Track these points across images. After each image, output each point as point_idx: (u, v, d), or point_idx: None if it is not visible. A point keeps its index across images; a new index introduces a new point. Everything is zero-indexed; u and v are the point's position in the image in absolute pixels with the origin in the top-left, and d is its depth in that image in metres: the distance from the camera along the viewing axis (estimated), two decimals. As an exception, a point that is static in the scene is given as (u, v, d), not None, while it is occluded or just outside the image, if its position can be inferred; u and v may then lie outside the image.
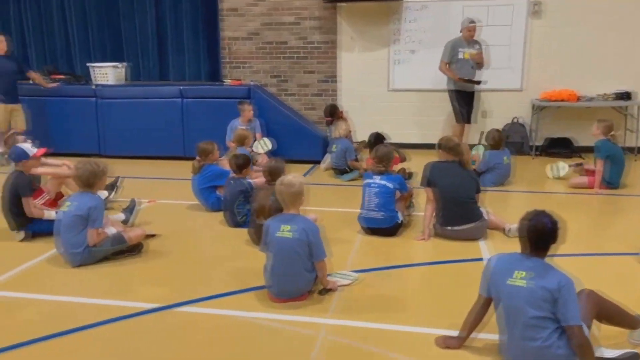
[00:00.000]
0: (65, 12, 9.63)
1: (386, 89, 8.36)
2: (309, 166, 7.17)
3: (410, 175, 5.99)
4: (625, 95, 7.39)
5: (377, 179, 4.41)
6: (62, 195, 5.35)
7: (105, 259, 3.98)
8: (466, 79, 7.11)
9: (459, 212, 4.26)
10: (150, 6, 9.25)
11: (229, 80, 7.84)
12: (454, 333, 2.82)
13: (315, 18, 8.40)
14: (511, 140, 7.84)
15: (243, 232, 4.62)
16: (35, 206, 4.46)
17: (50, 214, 4.47)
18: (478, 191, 4.36)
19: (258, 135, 7.04)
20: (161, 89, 7.79)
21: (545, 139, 7.86)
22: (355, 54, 8.39)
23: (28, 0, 9.64)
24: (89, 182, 3.93)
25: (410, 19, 8.07)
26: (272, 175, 4.29)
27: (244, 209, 4.73)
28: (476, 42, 7.25)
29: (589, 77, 7.68)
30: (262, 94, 7.57)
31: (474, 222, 4.27)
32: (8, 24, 9.69)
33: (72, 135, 7.87)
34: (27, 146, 4.50)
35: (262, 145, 6.50)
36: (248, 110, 7.08)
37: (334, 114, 7.25)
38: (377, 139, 5.87)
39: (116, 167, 5.51)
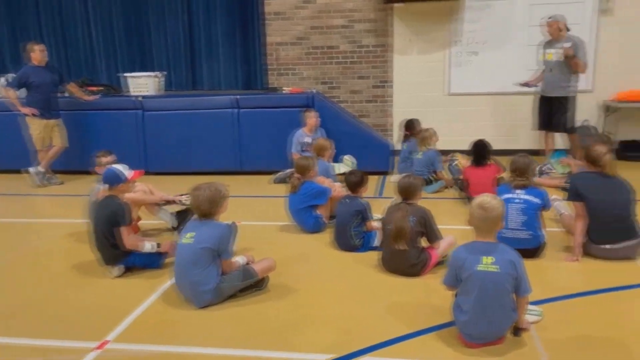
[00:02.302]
0: (90, 21, 9.06)
1: (445, 93, 7.94)
2: (376, 177, 6.69)
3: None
4: None
5: (521, 194, 3.96)
6: (139, 220, 4.83)
7: (230, 296, 3.47)
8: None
9: (616, 228, 3.82)
10: (183, 13, 8.76)
11: (287, 88, 7.33)
12: None
13: (368, 20, 7.95)
14: (582, 144, 7.49)
15: (363, 257, 4.14)
16: (134, 237, 3.92)
17: (147, 245, 3.92)
18: (634, 202, 3.93)
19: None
20: (214, 99, 7.24)
21: (619, 143, 7.52)
22: (411, 57, 7.95)
23: (49, 8, 9.05)
24: (210, 212, 3.41)
25: (473, 19, 7.66)
26: (408, 193, 3.82)
27: (360, 231, 4.25)
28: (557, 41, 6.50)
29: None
30: (325, 101, 7.07)
31: (634, 239, 3.83)
32: (27, 33, 9.07)
33: (114, 151, 7.28)
34: (121, 168, 3.95)
35: (348, 164, 5.99)
36: (315, 117, 6.59)
37: (410, 128, 6.76)
38: (479, 147, 5.43)
39: (166, 185, 4.98)
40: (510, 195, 3.96)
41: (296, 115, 6.79)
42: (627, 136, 7.47)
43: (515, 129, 7.79)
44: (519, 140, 7.69)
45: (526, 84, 6.98)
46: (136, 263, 3.93)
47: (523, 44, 7.56)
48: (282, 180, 6.63)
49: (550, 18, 6.59)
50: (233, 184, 6.62)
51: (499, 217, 2.77)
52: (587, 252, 3.96)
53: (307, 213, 4.71)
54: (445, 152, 6.48)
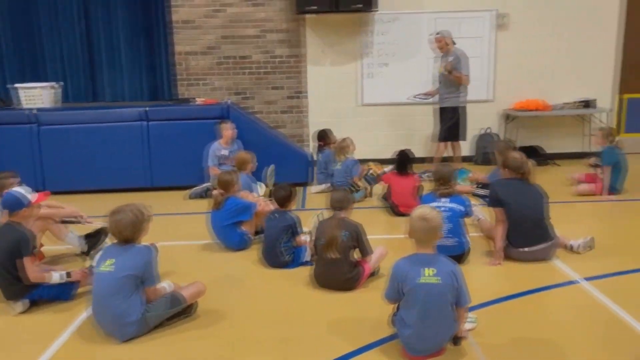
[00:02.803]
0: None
1: (358, 103, 8.07)
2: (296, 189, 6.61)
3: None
4: (591, 104, 7.80)
5: (446, 202, 4.06)
6: (42, 246, 4.37)
7: (156, 326, 3.21)
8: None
9: (534, 232, 4.04)
10: (79, 18, 8.17)
11: (201, 99, 7.05)
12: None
13: (280, 31, 7.89)
14: (486, 151, 7.95)
15: (294, 274, 4.04)
16: (39, 268, 3.51)
17: (55, 276, 3.53)
18: (548, 206, 4.17)
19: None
20: (119, 112, 6.77)
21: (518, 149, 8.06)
22: (324, 68, 8.00)
23: None
24: (133, 236, 3.14)
25: (382, 31, 7.86)
26: (340, 206, 3.78)
27: (290, 246, 4.14)
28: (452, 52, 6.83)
29: (551, 87, 7.98)
30: (240, 112, 6.89)
31: (549, 241, 4.08)
32: None
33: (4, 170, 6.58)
34: (22, 191, 3.52)
35: (271, 174, 5.83)
36: (231, 129, 6.38)
37: (323, 138, 6.80)
38: (404, 157, 5.55)
39: (70, 205, 4.61)
40: (435, 204, 4.01)
41: (211, 127, 6.54)
42: (525, 142, 8.01)
43: (425, 138, 8.08)
44: (429, 148, 8.00)
45: (425, 96, 7.22)
46: (43, 296, 3.52)
47: (430, 56, 7.86)
48: (198, 196, 6.38)
49: (437, 34, 6.89)
50: (145, 202, 6.25)
51: (438, 227, 2.81)
52: (507, 256, 4.15)
53: (232, 230, 4.52)
54: (360, 162, 6.57)
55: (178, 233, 5.16)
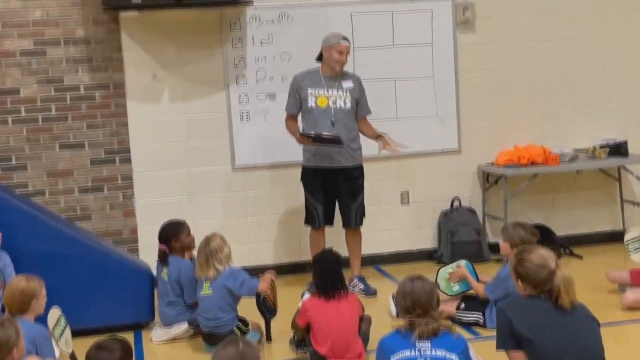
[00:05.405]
0: None
1: (227, 167, 5.23)
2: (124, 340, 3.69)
3: None
4: (622, 149, 5.37)
5: (427, 348, 2.54)
6: None
7: None
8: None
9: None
10: None
11: None
12: None
13: (76, 42, 4.97)
14: (458, 240, 5.41)
15: None
16: None
17: None
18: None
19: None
20: None
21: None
22: (159, 107, 5.11)
23: None
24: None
25: (263, 38, 5.17)
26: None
27: None
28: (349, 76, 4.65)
29: (549, 124, 5.55)
30: (6, 197, 4.31)
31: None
32: None
33: None
34: None
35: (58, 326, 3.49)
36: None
37: (170, 239, 4.31)
38: (330, 265, 3.74)
39: None
40: (410, 354, 2.66)
41: None
42: (518, 218, 5.54)
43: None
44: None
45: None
46: None
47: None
48: None
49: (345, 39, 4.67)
50: None
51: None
52: None
53: None
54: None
55: None
